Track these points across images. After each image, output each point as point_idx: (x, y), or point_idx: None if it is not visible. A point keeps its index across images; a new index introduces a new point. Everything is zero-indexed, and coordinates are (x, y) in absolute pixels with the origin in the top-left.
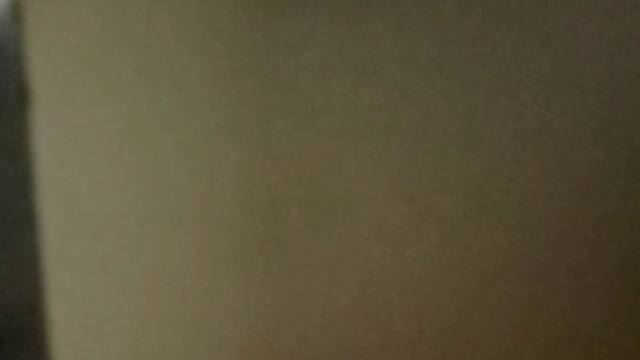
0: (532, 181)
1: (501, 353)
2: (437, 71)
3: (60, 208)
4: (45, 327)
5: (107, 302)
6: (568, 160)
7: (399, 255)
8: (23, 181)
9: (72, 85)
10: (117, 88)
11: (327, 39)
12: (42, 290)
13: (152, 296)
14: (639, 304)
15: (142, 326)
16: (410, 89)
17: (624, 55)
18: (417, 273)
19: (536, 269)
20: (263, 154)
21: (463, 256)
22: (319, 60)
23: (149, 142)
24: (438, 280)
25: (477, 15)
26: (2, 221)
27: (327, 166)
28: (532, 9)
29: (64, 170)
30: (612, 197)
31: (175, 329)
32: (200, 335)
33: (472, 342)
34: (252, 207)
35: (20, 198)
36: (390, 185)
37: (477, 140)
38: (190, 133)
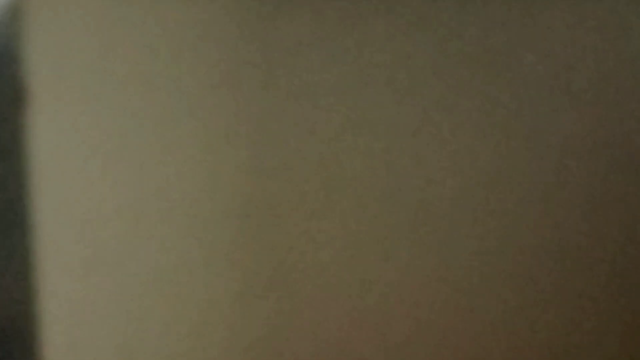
0: (531, 183)
1: (499, 355)
2: (437, 74)
3: (56, 209)
4: (37, 329)
5: (102, 304)
6: (566, 162)
7: (398, 259)
8: (19, 182)
9: (70, 86)
10: (116, 89)
11: (325, 42)
12: (35, 292)
13: (147, 299)
14: (639, 305)
15: (137, 329)
16: (410, 92)
17: (622, 60)
18: (416, 277)
19: (535, 271)
20: (261, 156)
21: (462, 259)
22: (317, 63)
23: (147, 144)
24: (438, 284)
25: (476, 19)
26: None
27: (325, 169)
28: (531, 12)
29: (61, 171)
30: (612, 199)
31: (171, 333)
32: (196, 339)
33: (471, 344)
34: (251, 209)
35: (16, 199)
36: (389, 188)
37: (475, 142)
38: (189, 135)
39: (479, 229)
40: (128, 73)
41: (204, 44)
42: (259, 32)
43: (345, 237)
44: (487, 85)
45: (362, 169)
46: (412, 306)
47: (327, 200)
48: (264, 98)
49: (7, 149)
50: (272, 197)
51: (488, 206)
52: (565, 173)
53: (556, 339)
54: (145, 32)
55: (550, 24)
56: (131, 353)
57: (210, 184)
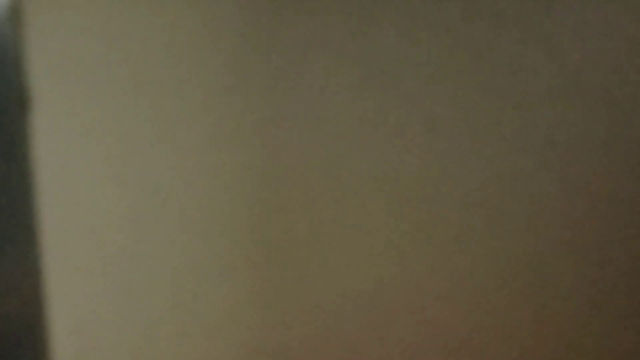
0: (539, 188)
1: (511, 355)
2: (444, 76)
3: (61, 212)
4: (46, 334)
5: (108, 307)
6: (575, 166)
7: (404, 261)
8: (23, 185)
9: (72, 89)
10: (118, 91)
11: (332, 43)
12: (42, 296)
13: (154, 301)
14: None
15: (144, 332)
16: (417, 93)
17: (631, 58)
18: (423, 280)
19: (543, 276)
20: (267, 158)
21: (469, 263)
22: (324, 64)
23: (150, 146)
24: (444, 287)
25: (484, 20)
26: (2, 226)
27: (333, 170)
28: (540, 14)
29: (65, 174)
30: (620, 204)
31: (178, 335)
32: (204, 341)
33: (479, 350)
34: (256, 211)
35: (21, 202)
36: (396, 190)
37: (484, 146)
38: (192, 137)
39: (489, 229)
40: (131, 75)
41: (208, 46)
42: (264, 34)
43: (356, 238)
44: (495, 85)
45: (372, 170)
46: (425, 307)
47: (336, 201)
48: (271, 100)
49: (11, 153)
50: (279, 199)
51: (497, 205)
52: (576, 172)
53: (567, 339)
54: (148, 34)
55: (562, 25)
56: (141, 356)
57: (218, 186)
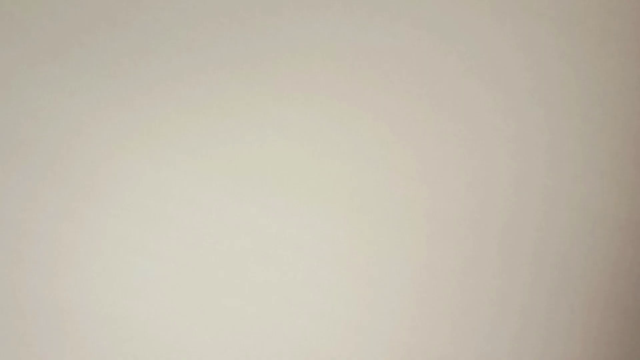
0: (536, 185)
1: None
2: (440, 72)
3: (59, 210)
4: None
5: (106, 308)
6: (572, 164)
7: (399, 257)
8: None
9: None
10: (117, 88)
11: (329, 38)
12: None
13: (152, 301)
14: None
15: (143, 333)
16: (413, 90)
17: (631, 59)
18: (418, 276)
19: (540, 275)
20: (263, 156)
21: (466, 260)
22: (320, 59)
23: (149, 143)
24: (440, 284)
25: (479, 15)
26: None
27: (329, 167)
28: (535, 10)
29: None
30: (618, 202)
31: (176, 334)
32: (203, 343)
33: (473, 347)
34: (255, 210)
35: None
36: (391, 187)
37: (479, 142)
38: (191, 135)
39: (486, 229)
40: (129, 72)
41: (207, 42)
42: (261, 30)
43: (349, 236)
44: (494, 84)
45: (367, 168)
46: (416, 308)
47: (332, 199)
48: (262, 97)
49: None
50: (274, 197)
51: (489, 206)
52: (577, 174)
53: (560, 345)
54: (147, 31)
55: (559, 22)
56: (140, 356)
57: (217, 184)
